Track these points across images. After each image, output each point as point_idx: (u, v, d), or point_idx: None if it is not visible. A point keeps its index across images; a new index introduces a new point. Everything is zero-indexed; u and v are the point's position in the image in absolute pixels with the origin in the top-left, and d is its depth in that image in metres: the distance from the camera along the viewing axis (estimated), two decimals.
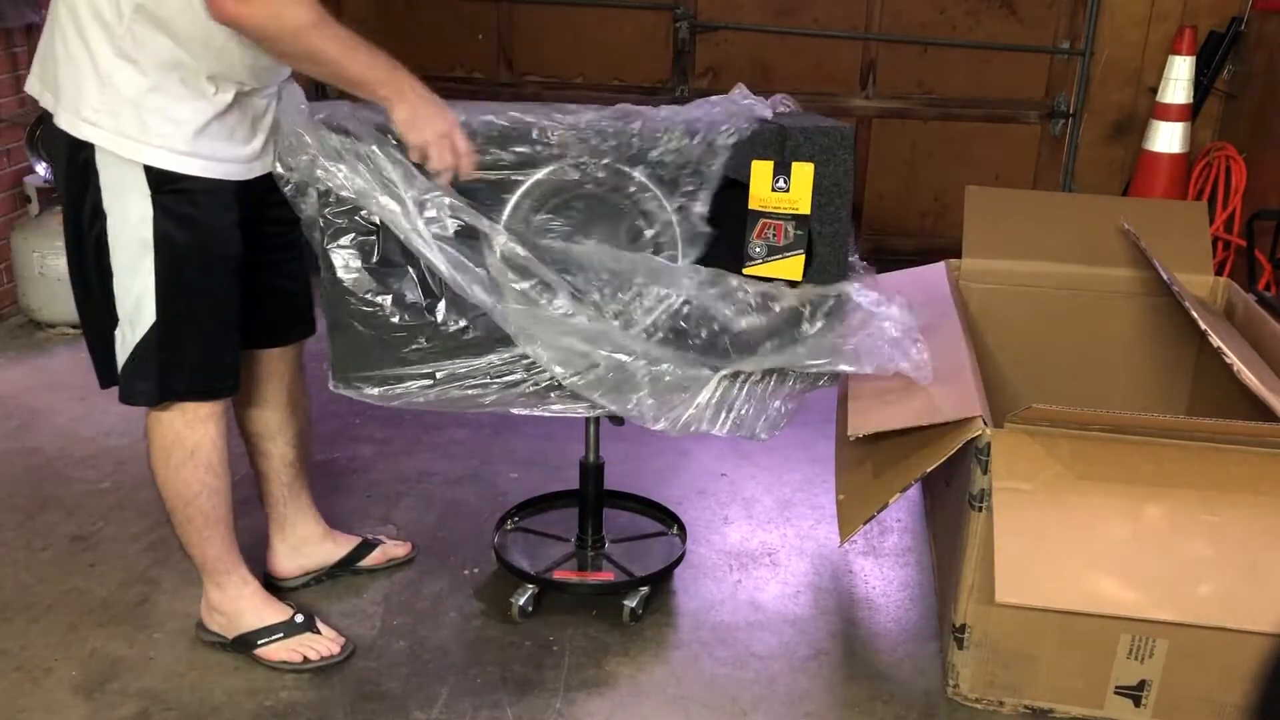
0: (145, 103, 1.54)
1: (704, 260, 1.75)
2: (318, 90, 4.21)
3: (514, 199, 1.71)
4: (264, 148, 1.67)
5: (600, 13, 4.04)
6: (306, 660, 1.82)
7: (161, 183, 1.57)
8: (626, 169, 1.70)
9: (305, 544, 2.04)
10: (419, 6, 4.03)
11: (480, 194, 1.69)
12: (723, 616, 2.01)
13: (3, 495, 2.34)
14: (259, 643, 1.83)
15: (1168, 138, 3.57)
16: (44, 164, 3.20)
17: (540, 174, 1.70)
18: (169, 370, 1.66)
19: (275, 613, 1.86)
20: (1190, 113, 3.58)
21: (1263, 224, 3.21)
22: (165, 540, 2.18)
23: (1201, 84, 3.63)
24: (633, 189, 1.72)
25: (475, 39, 4.10)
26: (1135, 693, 1.71)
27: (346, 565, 2.08)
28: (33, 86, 1.66)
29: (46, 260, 3.16)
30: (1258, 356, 1.98)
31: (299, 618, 1.86)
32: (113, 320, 1.65)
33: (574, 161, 1.68)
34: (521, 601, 1.97)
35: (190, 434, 1.72)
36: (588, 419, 1.99)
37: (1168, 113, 3.57)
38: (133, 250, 1.60)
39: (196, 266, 1.63)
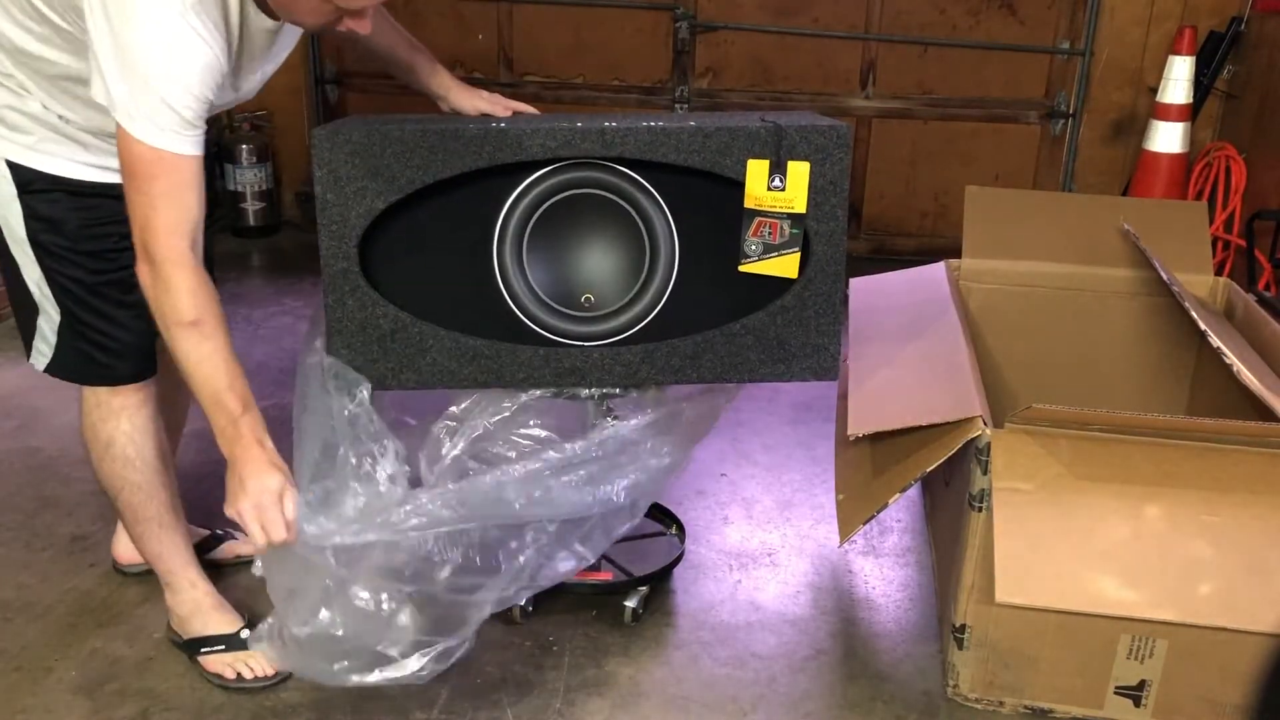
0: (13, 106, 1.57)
1: (697, 260, 1.76)
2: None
3: (510, 199, 1.71)
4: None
5: (600, 13, 4.04)
6: (240, 677, 1.78)
7: (25, 183, 1.58)
8: (624, 169, 1.71)
9: None
10: (419, 6, 4.03)
11: (478, 196, 1.70)
12: (723, 616, 2.01)
13: (3, 495, 2.34)
14: (201, 650, 1.81)
15: (1168, 138, 3.57)
16: None
17: (535, 174, 1.71)
18: (74, 354, 1.69)
19: (221, 622, 1.83)
20: (1190, 113, 3.58)
21: (1263, 224, 3.21)
22: None
23: (1201, 84, 3.63)
24: (629, 189, 1.72)
25: (475, 39, 4.10)
26: (1135, 693, 1.71)
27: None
28: None
29: None
30: (1258, 356, 1.98)
31: (244, 633, 1.81)
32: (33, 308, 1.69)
33: (570, 161, 1.69)
34: (521, 601, 1.97)
35: (104, 427, 1.73)
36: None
37: (1168, 113, 3.57)
38: (21, 247, 1.63)
39: (77, 266, 1.64)
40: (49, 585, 2.04)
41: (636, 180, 1.71)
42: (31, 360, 1.74)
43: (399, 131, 1.63)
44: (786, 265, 1.73)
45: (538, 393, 1.82)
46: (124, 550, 2.05)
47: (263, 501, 1.49)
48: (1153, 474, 1.63)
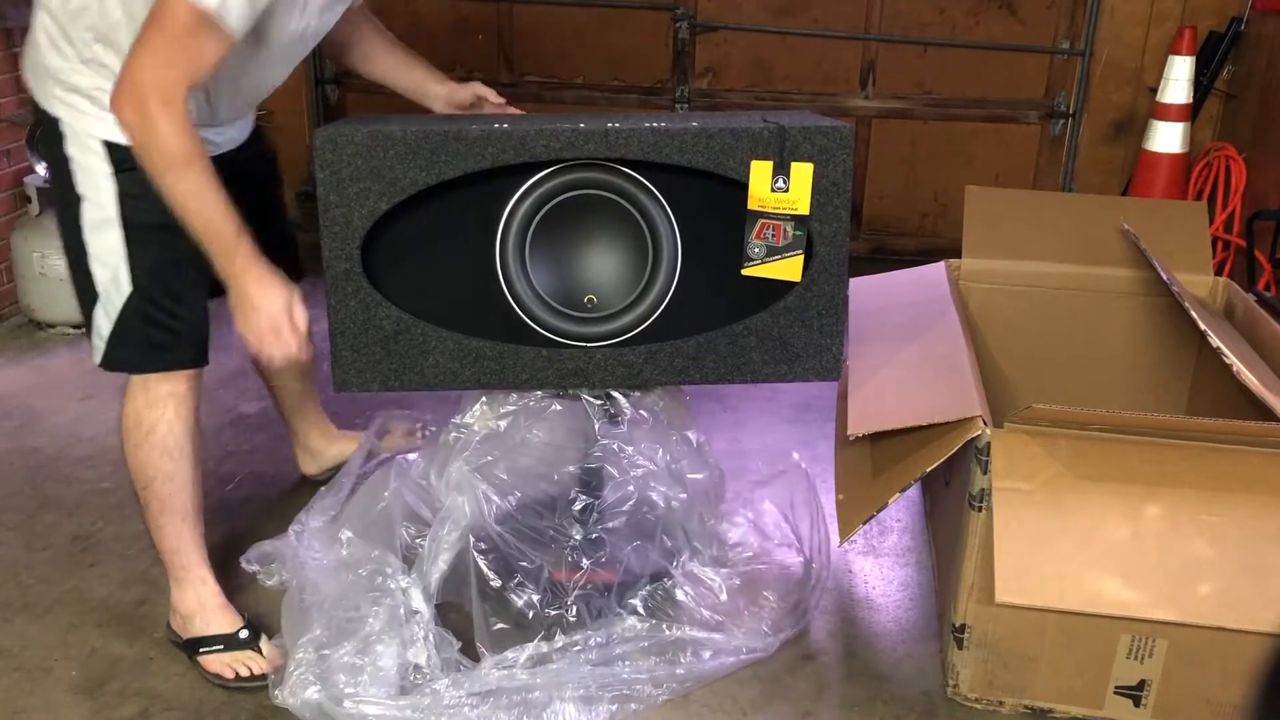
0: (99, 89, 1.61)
1: (700, 260, 1.76)
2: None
3: (513, 200, 1.71)
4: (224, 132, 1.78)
5: (600, 13, 4.04)
6: (238, 676, 1.78)
7: (121, 161, 1.63)
8: (627, 170, 1.71)
9: (319, 449, 2.39)
10: (419, 6, 4.03)
11: (480, 197, 1.70)
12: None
13: (3, 495, 2.34)
14: (200, 650, 1.82)
15: (1167, 138, 3.57)
16: (43, 164, 3.19)
17: (538, 175, 1.71)
18: (135, 341, 1.73)
19: (222, 622, 1.84)
20: (1190, 113, 3.58)
21: (1262, 224, 3.21)
22: None
23: (1201, 84, 3.63)
24: (632, 190, 1.73)
25: (475, 39, 4.10)
26: (1135, 693, 1.71)
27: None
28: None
29: (47, 260, 3.16)
30: (1257, 356, 1.98)
31: (244, 633, 1.83)
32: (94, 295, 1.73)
33: (573, 162, 1.69)
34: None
35: (149, 414, 1.75)
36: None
37: (1167, 113, 3.57)
38: (103, 228, 1.68)
39: (158, 243, 1.67)
40: (49, 585, 2.04)
41: (639, 181, 1.72)
42: (93, 357, 1.78)
43: (401, 133, 1.63)
44: (790, 268, 1.73)
45: (539, 394, 1.82)
46: (306, 466, 2.40)
47: (276, 319, 1.59)
48: (1153, 474, 1.63)
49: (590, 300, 1.77)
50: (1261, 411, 1.70)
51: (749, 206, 1.70)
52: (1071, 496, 1.62)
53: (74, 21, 1.61)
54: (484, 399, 1.84)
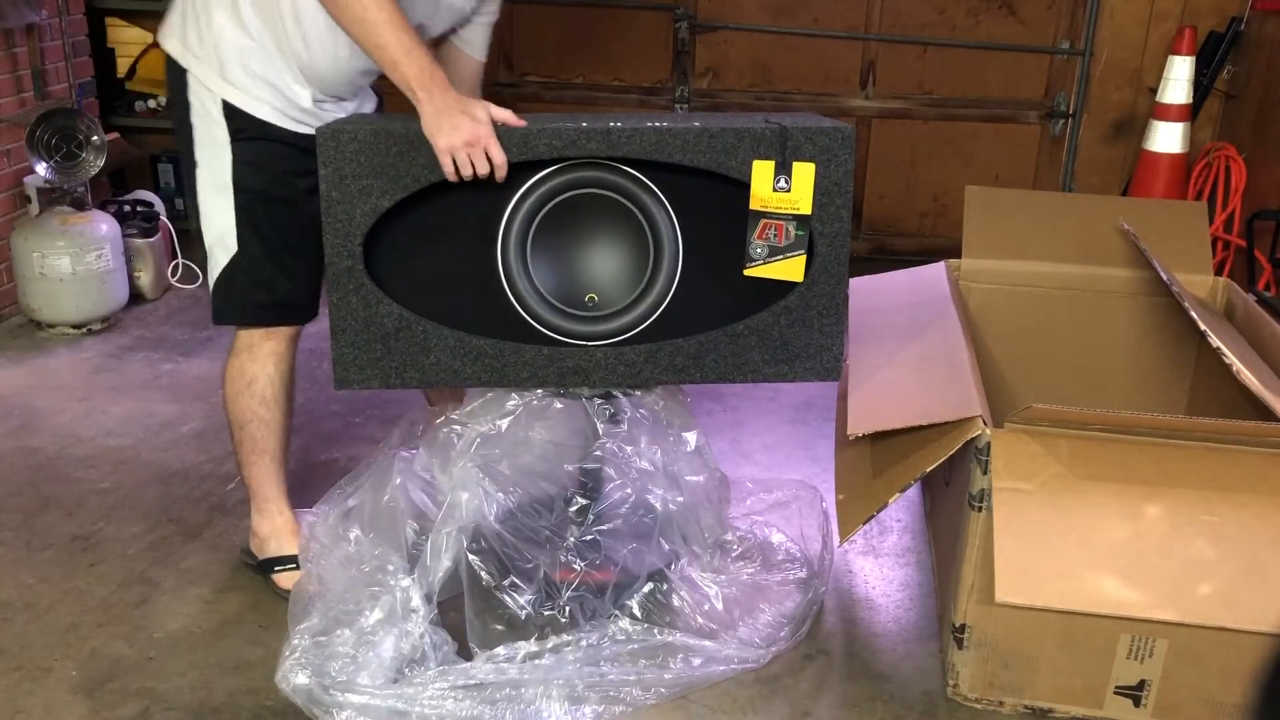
0: (238, 54, 1.75)
1: (701, 260, 1.76)
2: None
3: (515, 198, 1.71)
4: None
5: (600, 13, 4.04)
6: None
7: (238, 130, 1.77)
8: (629, 169, 1.71)
9: None
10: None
11: (482, 195, 1.70)
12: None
13: (3, 495, 2.34)
14: (275, 569, 2.01)
15: (1167, 138, 3.58)
16: (44, 164, 3.20)
17: (540, 174, 1.71)
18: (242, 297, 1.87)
19: (295, 545, 2.01)
20: (1190, 113, 3.59)
21: (1262, 224, 3.21)
22: (165, 540, 2.18)
23: (1201, 84, 3.63)
24: (633, 189, 1.73)
25: None
26: (1135, 693, 1.71)
27: None
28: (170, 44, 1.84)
29: (47, 260, 3.16)
30: (1257, 356, 1.98)
31: None
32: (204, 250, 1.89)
33: (575, 161, 1.69)
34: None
35: (252, 367, 1.91)
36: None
37: (1167, 113, 3.57)
38: (218, 192, 1.82)
39: (266, 209, 1.82)
40: (49, 585, 2.04)
41: (641, 180, 1.72)
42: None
43: (404, 130, 1.63)
44: (792, 269, 1.73)
45: (540, 392, 1.82)
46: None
47: (478, 131, 1.62)
48: (1153, 474, 1.63)
49: (591, 299, 1.77)
50: (1261, 411, 1.70)
51: (751, 206, 1.70)
52: (1071, 496, 1.62)
53: None
54: (487, 395, 1.84)
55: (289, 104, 1.80)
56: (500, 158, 1.63)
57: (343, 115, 1.85)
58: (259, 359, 1.91)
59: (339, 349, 1.72)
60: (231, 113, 1.77)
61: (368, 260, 1.69)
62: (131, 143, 3.98)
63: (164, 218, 3.63)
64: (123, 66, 4.28)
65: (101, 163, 3.27)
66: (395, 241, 1.72)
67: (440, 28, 1.90)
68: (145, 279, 3.50)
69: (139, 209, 3.57)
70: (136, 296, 3.46)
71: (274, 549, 2.02)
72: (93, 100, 3.71)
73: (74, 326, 3.24)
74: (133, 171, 4.13)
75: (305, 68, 1.78)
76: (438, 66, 1.66)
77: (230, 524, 2.23)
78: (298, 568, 1.97)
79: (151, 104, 4.16)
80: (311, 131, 1.74)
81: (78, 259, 3.18)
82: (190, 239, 4.05)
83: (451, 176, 1.64)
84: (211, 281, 1.88)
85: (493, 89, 4.36)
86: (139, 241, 3.45)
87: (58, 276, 3.17)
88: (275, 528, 2.02)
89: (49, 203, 3.26)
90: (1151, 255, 2.19)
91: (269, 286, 1.86)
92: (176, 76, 1.80)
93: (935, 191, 4.13)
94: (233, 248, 1.83)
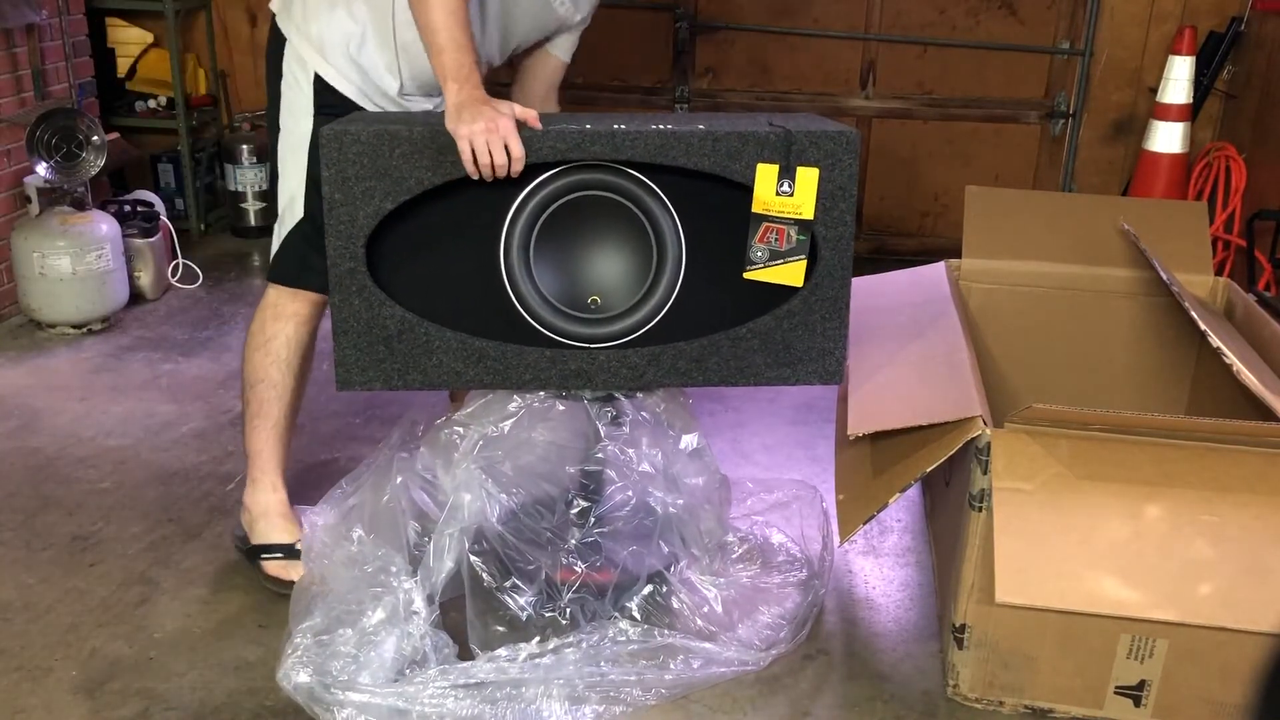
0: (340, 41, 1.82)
1: (704, 263, 1.76)
2: None
3: (518, 200, 1.71)
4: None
5: (600, 13, 4.02)
6: (294, 583, 1.89)
7: (323, 105, 1.83)
8: (632, 171, 1.71)
9: None
10: None
11: (485, 197, 1.70)
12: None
13: (3, 495, 2.34)
14: (263, 556, 2.01)
15: (1168, 138, 3.58)
16: (44, 164, 3.20)
17: (543, 176, 1.71)
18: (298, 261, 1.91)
19: (284, 531, 2.01)
20: (1190, 113, 3.59)
21: (1263, 224, 3.21)
22: (165, 540, 2.18)
23: (1201, 84, 3.63)
24: (637, 191, 1.72)
25: None
26: (1135, 693, 1.71)
27: None
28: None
29: (47, 260, 3.16)
30: (1257, 356, 1.98)
31: (299, 545, 1.96)
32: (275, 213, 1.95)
33: (578, 163, 1.69)
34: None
35: (273, 325, 1.94)
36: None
37: (1168, 113, 3.57)
38: (294, 154, 1.87)
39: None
40: (49, 585, 2.04)
41: (644, 183, 1.72)
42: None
43: (407, 132, 1.63)
44: (792, 273, 1.72)
45: (542, 394, 1.82)
46: None
47: (498, 120, 1.62)
48: (1153, 474, 1.63)
49: (594, 301, 1.77)
50: (1261, 411, 1.70)
51: (753, 209, 1.70)
52: (1071, 496, 1.62)
53: None
54: (489, 396, 1.84)
55: (376, 90, 1.86)
56: (518, 151, 1.63)
57: (429, 107, 1.91)
58: (282, 317, 1.94)
59: (341, 350, 1.72)
60: (321, 87, 1.83)
61: (370, 262, 1.69)
62: (131, 143, 3.98)
63: (164, 218, 3.63)
64: (123, 66, 4.28)
65: (102, 163, 3.27)
66: (398, 243, 1.72)
67: (536, 36, 1.99)
68: (145, 279, 3.50)
69: (139, 209, 3.57)
70: (136, 296, 3.45)
71: (262, 530, 2.02)
72: (93, 100, 3.71)
73: (74, 326, 3.24)
74: (133, 171, 4.13)
75: (404, 53, 1.82)
76: (477, 70, 1.69)
77: (230, 524, 2.23)
78: (285, 557, 1.97)
79: (151, 104, 4.16)
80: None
81: (78, 259, 3.18)
82: (190, 239, 4.06)
83: (469, 164, 1.63)
84: (277, 243, 1.93)
85: (494, 89, 4.35)
86: (139, 241, 3.45)
87: (58, 276, 3.17)
88: (266, 505, 2.01)
89: (49, 203, 3.26)
90: (1151, 255, 2.19)
91: (322, 251, 1.86)
92: (276, 43, 1.87)
93: (935, 191, 4.13)
94: (299, 213, 1.89)
